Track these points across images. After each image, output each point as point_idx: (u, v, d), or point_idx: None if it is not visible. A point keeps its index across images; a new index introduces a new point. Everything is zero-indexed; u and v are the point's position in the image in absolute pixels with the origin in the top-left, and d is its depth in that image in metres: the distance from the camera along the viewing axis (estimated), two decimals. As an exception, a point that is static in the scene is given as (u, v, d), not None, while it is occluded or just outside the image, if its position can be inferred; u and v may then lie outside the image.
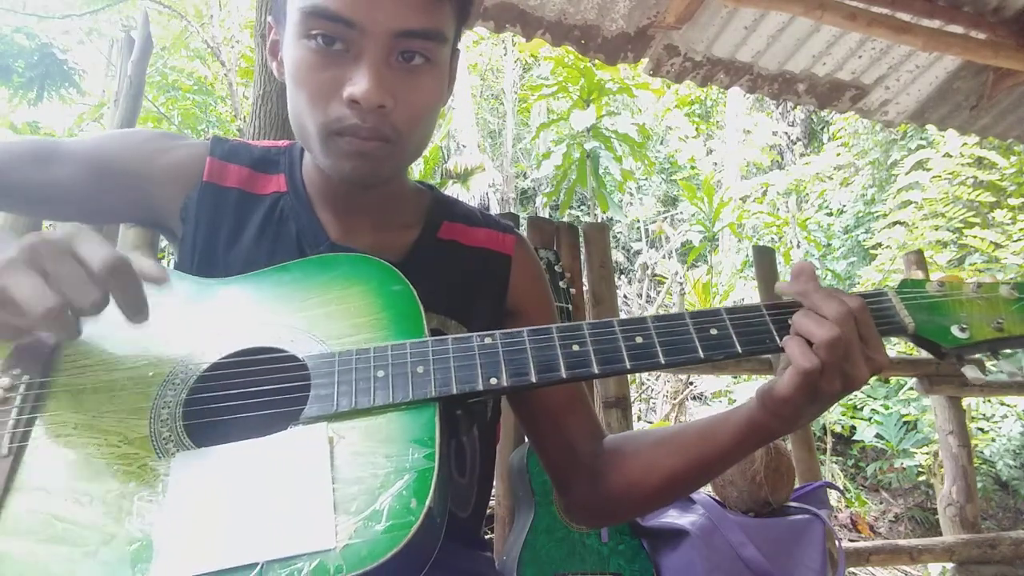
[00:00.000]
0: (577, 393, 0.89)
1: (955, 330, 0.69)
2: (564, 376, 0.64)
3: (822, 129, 10.65)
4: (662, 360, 0.65)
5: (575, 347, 0.65)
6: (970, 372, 0.70)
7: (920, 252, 2.98)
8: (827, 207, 8.62)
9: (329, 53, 0.70)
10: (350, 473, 0.56)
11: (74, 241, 0.58)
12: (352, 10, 0.67)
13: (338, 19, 0.68)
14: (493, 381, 0.63)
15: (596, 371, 0.65)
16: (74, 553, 0.54)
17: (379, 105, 0.69)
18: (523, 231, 2.35)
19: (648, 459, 0.81)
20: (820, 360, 0.62)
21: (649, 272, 9.66)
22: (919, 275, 0.79)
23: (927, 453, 5.11)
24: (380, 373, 0.62)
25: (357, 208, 0.84)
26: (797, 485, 1.90)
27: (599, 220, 7.78)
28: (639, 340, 0.66)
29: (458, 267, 0.88)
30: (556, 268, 2.03)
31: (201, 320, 0.70)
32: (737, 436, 0.73)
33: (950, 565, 2.67)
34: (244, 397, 0.63)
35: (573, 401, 0.88)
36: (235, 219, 0.83)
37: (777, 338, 0.66)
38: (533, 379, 0.64)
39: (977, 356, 0.71)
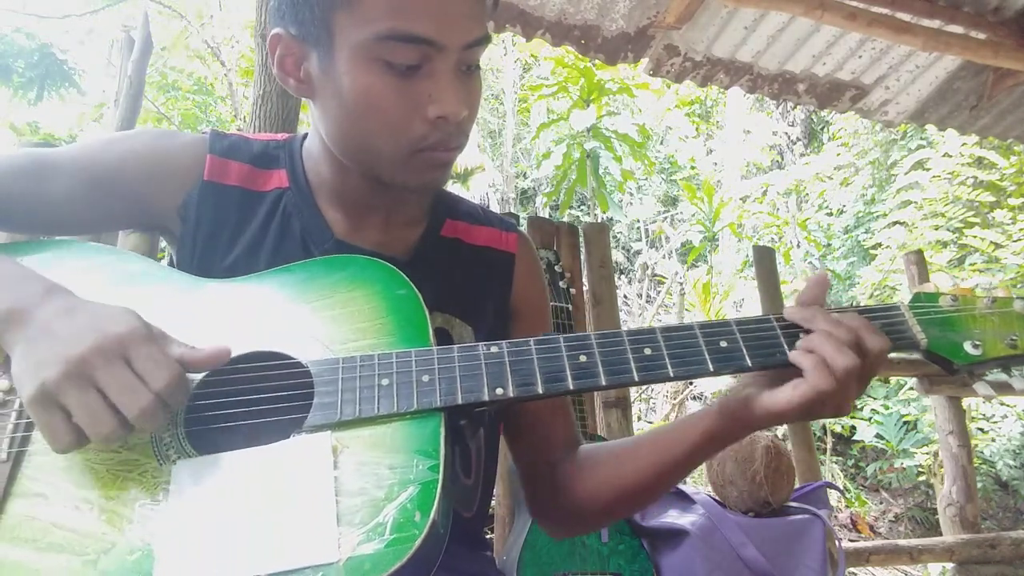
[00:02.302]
0: (560, 401, 0.90)
1: (968, 346, 0.67)
2: (571, 387, 0.63)
3: (822, 129, 10.63)
4: (671, 372, 0.64)
5: (582, 358, 0.65)
6: (982, 389, 0.69)
7: (920, 252, 2.97)
8: (827, 207, 8.61)
9: (404, 73, 0.69)
10: (353, 484, 0.56)
11: (130, 351, 0.58)
12: (433, 30, 0.67)
13: (422, 41, 0.67)
14: (499, 391, 0.62)
15: (603, 382, 0.64)
16: (73, 562, 0.53)
17: (463, 118, 0.71)
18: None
19: (606, 471, 0.83)
20: (837, 382, 0.61)
21: (649, 272, 9.65)
22: (929, 288, 0.77)
23: (927, 453, 5.11)
24: (384, 381, 0.62)
25: (369, 206, 0.83)
26: (797, 485, 1.89)
27: (599, 220, 7.77)
28: (648, 352, 0.65)
29: (462, 266, 0.87)
30: (556, 268, 2.02)
31: (203, 322, 0.69)
32: (692, 448, 0.74)
33: (950, 565, 2.67)
34: (246, 403, 0.63)
35: (555, 409, 0.89)
36: (237, 218, 0.82)
37: (788, 352, 0.65)
38: (539, 390, 0.63)
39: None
